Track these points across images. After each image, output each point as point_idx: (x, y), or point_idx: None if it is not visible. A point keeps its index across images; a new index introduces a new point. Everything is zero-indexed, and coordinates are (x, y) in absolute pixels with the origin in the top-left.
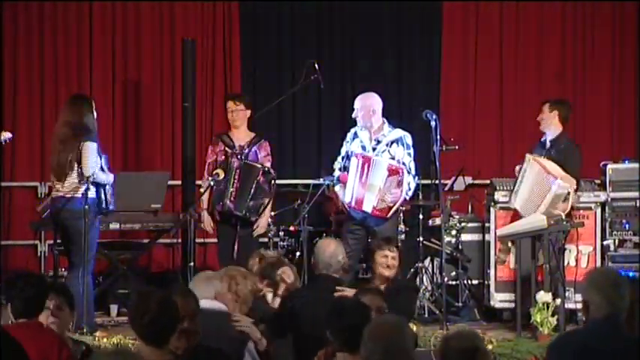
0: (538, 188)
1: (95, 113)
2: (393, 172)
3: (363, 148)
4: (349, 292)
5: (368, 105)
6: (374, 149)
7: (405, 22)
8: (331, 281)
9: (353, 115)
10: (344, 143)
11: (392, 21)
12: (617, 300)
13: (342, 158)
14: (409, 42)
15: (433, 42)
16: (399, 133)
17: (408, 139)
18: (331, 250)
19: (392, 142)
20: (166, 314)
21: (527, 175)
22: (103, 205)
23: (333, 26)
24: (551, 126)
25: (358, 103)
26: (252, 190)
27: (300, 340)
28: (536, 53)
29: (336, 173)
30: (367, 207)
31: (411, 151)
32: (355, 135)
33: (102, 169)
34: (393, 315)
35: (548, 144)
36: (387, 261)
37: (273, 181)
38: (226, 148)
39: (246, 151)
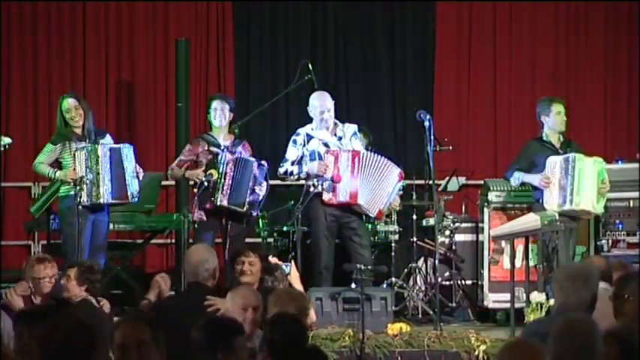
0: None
1: (64, 113)
2: (401, 178)
3: (326, 145)
4: (220, 302)
5: (330, 105)
6: (341, 145)
7: (398, 23)
8: (201, 289)
9: (320, 116)
10: (293, 147)
11: (385, 21)
12: (570, 292)
13: (294, 163)
14: (403, 42)
15: (427, 42)
16: (353, 126)
17: (357, 130)
18: (199, 257)
19: (350, 137)
20: (76, 343)
21: (585, 172)
22: (79, 200)
23: (326, 26)
24: (557, 125)
25: (327, 102)
26: (250, 184)
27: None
28: (530, 53)
29: (301, 174)
30: (361, 200)
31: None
32: (308, 135)
33: (60, 165)
34: (583, 314)
35: (557, 144)
36: (241, 268)
37: (267, 175)
38: (211, 148)
39: (234, 150)
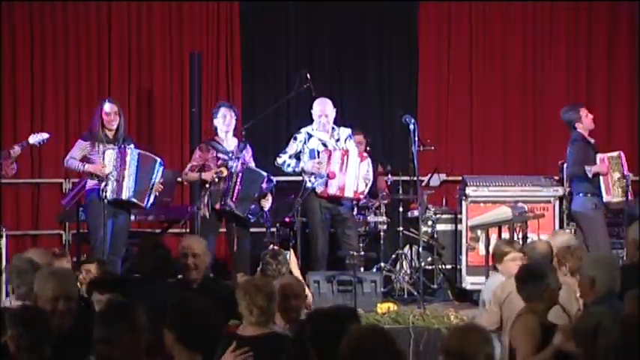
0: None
1: (103, 115)
2: (363, 157)
3: (324, 145)
4: None
5: (329, 111)
6: (337, 146)
7: (386, 38)
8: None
9: (318, 119)
10: (293, 142)
11: (375, 34)
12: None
13: (292, 156)
14: (390, 55)
15: (411, 55)
16: (347, 130)
17: (350, 133)
18: None
19: (345, 139)
20: None
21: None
22: (103, 195)
23: (322, 40)
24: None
25: (326, 109)
26: (256, 195)
27: None
28: (501, 61)
29: (297, 168)
30: (349, 192)
31: None
32: (309, 134)
33: (88, 160)
34: None
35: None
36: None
37: (273, 189)
38: (219, 155)
39: (240, 155)
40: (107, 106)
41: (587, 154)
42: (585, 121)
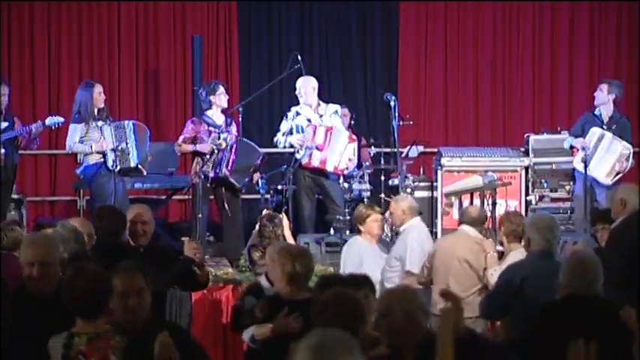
0: (612, 152)
1: (95, 95)
2: (352, 140)
3: (309, 121)
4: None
5: (313, 86)
6: (321, 121)
7: (368, 21)
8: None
9: (299, 93)
10: (284, 121)
11: (359, 20)
12: (551, 239)
13: (284, 134)
14: (372, 37)
15: (392, 39)
16: (334, 106)
17: (339, 109)
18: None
19: (331, 115)
20: None
21: (610, 149)
22: (113, 165)
23: (312, 25)
24: (608, 104)
25: (305, 85)
26: (251, 169)
27: None
28: (473, 44)
29: (286, 143)
30: (330, 167)
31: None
32: (297, 113)
33: (81, 141)
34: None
35: (606, 119)
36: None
37: (261, 165)
38: (210, 128)
39: (229, 129)
40: (99, 87)
41: (581, 126)
42: (595, 97)
